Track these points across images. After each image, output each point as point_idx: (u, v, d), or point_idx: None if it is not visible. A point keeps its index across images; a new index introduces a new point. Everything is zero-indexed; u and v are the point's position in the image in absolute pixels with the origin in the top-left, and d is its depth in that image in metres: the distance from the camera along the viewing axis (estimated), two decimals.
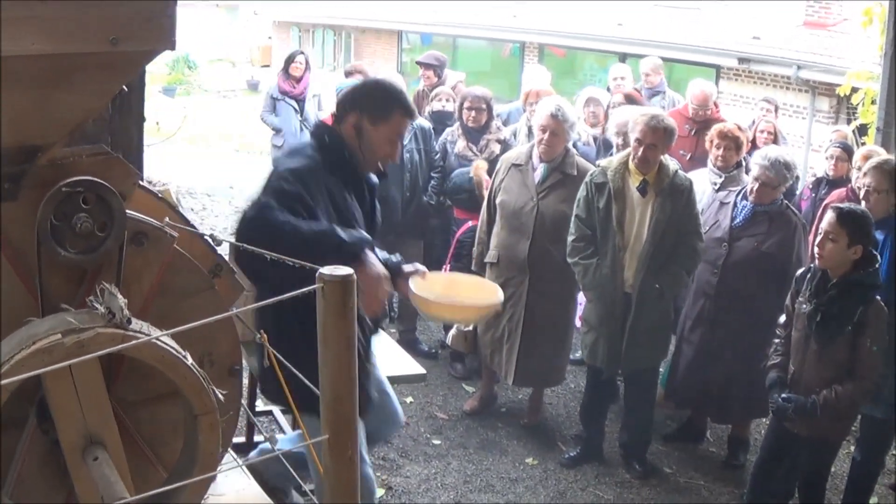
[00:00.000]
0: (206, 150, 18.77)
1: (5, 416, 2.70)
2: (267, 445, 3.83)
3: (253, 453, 5.71)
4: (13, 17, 2.30)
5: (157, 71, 27.45)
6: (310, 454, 3.52)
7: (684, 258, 6.83)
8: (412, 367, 6.37)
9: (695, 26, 20.28)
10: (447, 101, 9.59)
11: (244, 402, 7.06)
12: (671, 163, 6.94)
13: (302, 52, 13.02)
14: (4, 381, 2.40)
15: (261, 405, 7.13)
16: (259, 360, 4.46)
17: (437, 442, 7.43)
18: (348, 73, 11.20)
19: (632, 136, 6.91)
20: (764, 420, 7.66)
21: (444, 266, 8.39)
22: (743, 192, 6.98)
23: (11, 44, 2.32)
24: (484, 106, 8.87)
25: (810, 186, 8.78)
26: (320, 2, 31.16)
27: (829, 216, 5.70)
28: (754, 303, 6.82)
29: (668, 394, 7.67)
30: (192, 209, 14.04)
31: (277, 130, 12.28)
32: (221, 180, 16.08)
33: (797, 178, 8.86)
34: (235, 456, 4.85)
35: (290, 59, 12.46)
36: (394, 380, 5.86)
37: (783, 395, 5.83)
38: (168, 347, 2.76)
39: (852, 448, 6.72)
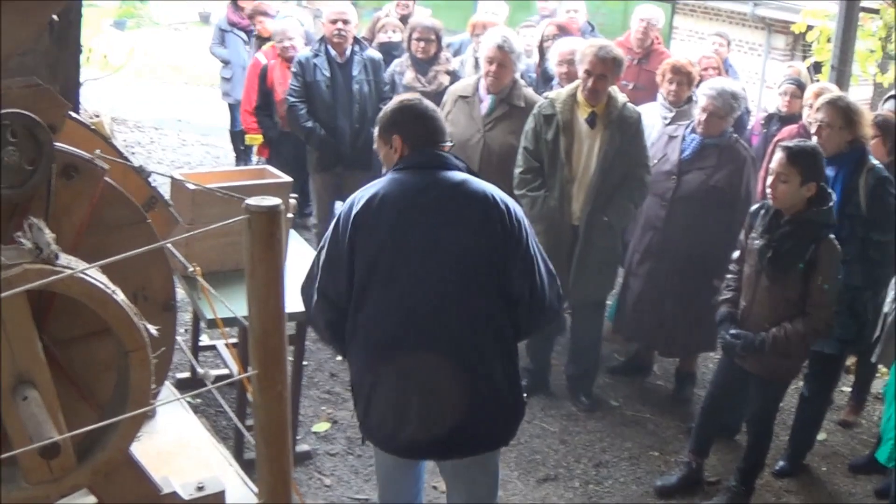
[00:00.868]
0: (155, 84, 18.51)
1: None
2: None
3: None
4: None
5: (107, 4, 27.01)
6: None
7: (632, 191, 6.82)
8: None
9: None
10: (393, 31, 9.51)
11: (187, 337, 7.10)
12: (619, 95, 6.91)
13: None
14: None
15: (205, 339, 7.10)
16: None
17: None
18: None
19: (580, 68, 6.86)
20: (712, 354, 7.73)
21: None
22: (692, 125, 6.95)
23: None
24: (433, 37, 8.81)
25: (762, 122, 8.76)
26: None
27: (779, 156, 5.66)
28: (702, 236, 6.81)
29: (616, 327, 7.70)
30: (140, 142, 13.87)
31: (226, 63, 12.03)
32: (170, 113, 15.90)
33: (748, 111, 8.89)
34: (175, 391, 4.84)
35: None
36: None
37: (732, 331, 5.84)
38: (96, 283, 2.70)
39: (801, 384, 6.76)
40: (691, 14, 18.94)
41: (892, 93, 8.10)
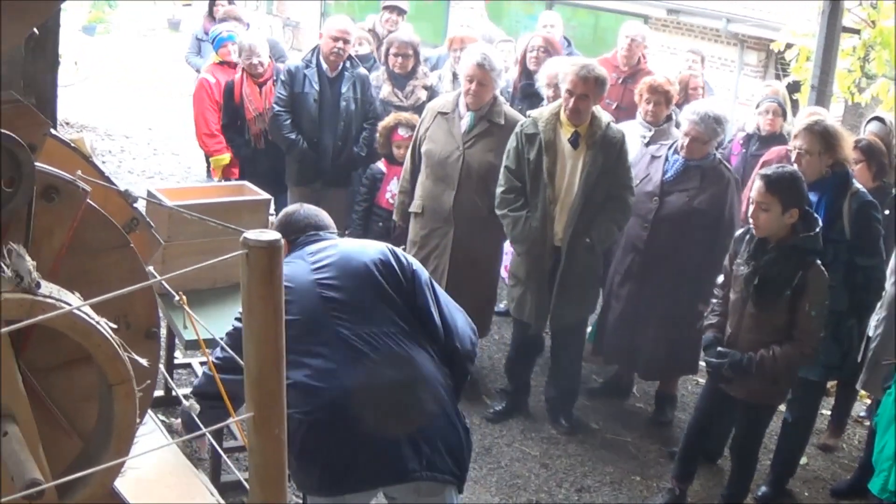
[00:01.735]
0: (125, 91, 18.27)
1: None
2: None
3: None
4: None
5: (76, 9, 26.71)
6: None
7: (615, 212, 6.73)
8: None
9: None
10: (360, 44, 9.38)
11: (162, 354, 6.94)
12: (603, 115, 6.83)
13: None
14: None
15: (179, 357, 6.95)
16: None
17: None
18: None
19: (562, 87, 6.78)
20: (692, 377, 7.65)
21: None
22: (674, 146, 6.87)
23: None
24: (411, 52, 8.75)
25: (741, 142, 8.67)
26: None
27: (758, 185, 5.61)
28: (684, 258, 6.75)
29: (596, 349, 7.57)
30: (111, 151, 13.68)
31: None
32: (140, 121, 15.68)
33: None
34: (153, 416, 4.70)
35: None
36: None
37: (719, 349, 5.77)
38: (79, 313, 2.57)
39: (783, 409, 6.68)
40: (663, 29, 18.92)
41: (874, 115, 8.03)
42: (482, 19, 10.99)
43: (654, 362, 7.18)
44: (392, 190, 7.94)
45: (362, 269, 4.22)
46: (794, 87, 11.38)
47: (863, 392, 7.25)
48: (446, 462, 4.10)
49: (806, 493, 6.77)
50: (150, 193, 5.69)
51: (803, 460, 6.93)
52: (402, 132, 7.90)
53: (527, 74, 8.87)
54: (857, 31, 11.69)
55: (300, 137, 8.41)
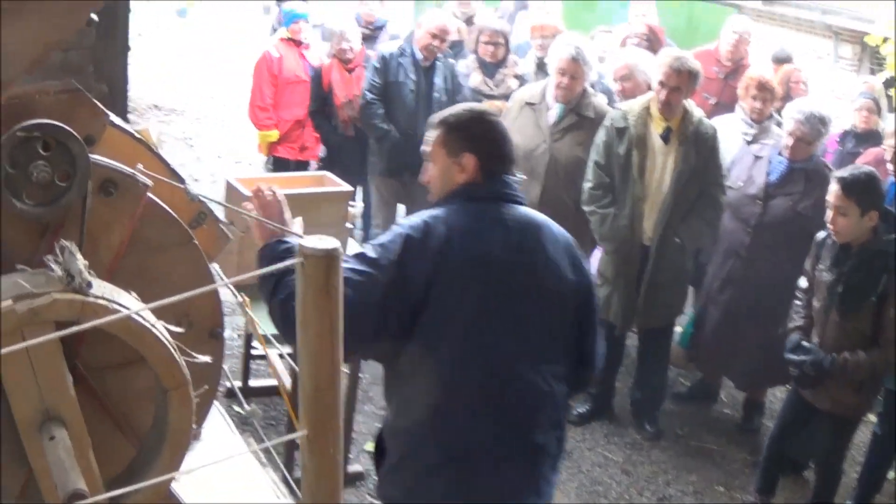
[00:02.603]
0: (218, 74, 18.21)
1: None
2: None
3: None
4: None
5: None
6: None
7: (706, 210, 6.52)
8: None
9: None
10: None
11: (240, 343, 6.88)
12: (696, 110, 6.60)
13: None
14: None
15: (257, 347, 6.86)
16: None
17: None
18: None
19: (654, 79, 6.56)
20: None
21: None
22: (778, 147, 6.60)
23: None
24: (502, 40, 8.55)
25: (837, 139, 8.35)
26: None
27: (834, 188, 5.39)
28: (787, 265, 6.37)
29: (691, 355, 7.28)
30: (200, 135, 13.68)
31: None
32: (232, 105, 15.60)
33: None
34: (221, 409, 4.58)
35: None
36: None
37: (802, 344, 5.56)
38: (133, 316, 2.44)
39: (873, 419, 6.41)
40: (757, 19, 18.46)
41: None
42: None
43: (751, 371, 6.90)
44: None
45: None
46: (889, 84, 10.97)
47: None
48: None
49: None
50: (227, 185, 5.58)
51: (891, 474, 6.66)
52: None
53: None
54: None
55: (392, 128, 8.25)
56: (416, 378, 3.55)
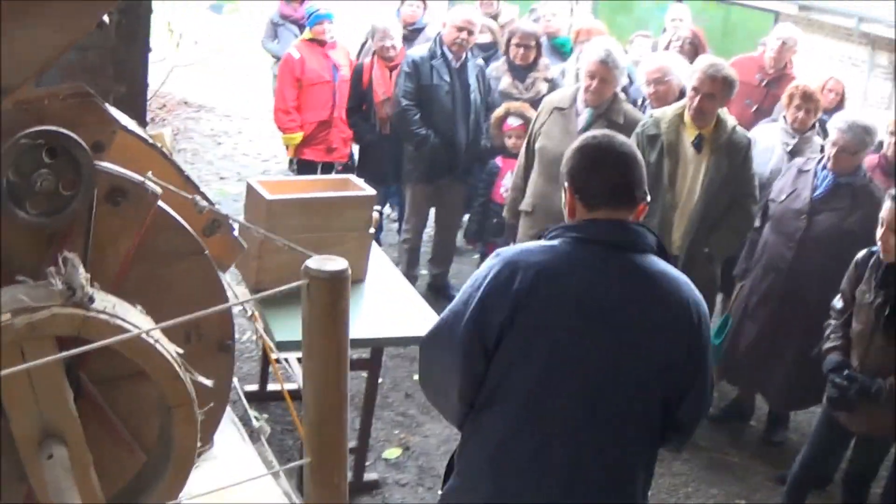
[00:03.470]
0: (248, 71, 18.17)
1: None
2: None
3: None
4: None
5: None
6: None
7: (737, 221, 6.43)
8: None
9: None
10: (480, 32, 9.03)
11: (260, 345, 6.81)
12: (729, 118, 6.48)
13: None
14: None
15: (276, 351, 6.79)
16: None
17: None
18: None
19: (688, 85, 6.45)
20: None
21: None
22: (823, 161, 6.45)
23: None
24: (533, 43, 8.48)
25: (873, 150, 8.18)
26: None
27: (890, 206, 5.19)
28: (831, 282, 6.14)
29: (724, 372, 7.08)
30: (227, 132, 13.64)
31: (278, 59, 10.93)
32: (260, 103, 15.58)
33: None
34: (236, 419, 4.50)
35: None
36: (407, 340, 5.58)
37: (846, 372, 5.35)
38: (135, 329, 2.36)
39: None
40: (796, 26, 18.32)
41: None
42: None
43: (787, 390, 6.75)
44: (506, 184, 7.71)
45: None
46: None
47: None
48: None
49: None
50: (248, 187, 5.51)
51: None
52: (511, 121, 7.69)
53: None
54: None
55: (430, 133, 8.14)
56: (482, 415, 3.43)
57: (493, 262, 3.40)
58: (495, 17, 9.94)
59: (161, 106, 13.88)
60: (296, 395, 6.36)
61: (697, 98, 6.30)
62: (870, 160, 7.23)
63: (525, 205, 7.06)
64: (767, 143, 7.06)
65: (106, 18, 2.75)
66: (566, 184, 3.56)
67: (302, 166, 9.50)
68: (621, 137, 3.63)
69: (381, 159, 8.75)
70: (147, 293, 2.64)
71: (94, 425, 2.64)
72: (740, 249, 6.81)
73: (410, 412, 6.76)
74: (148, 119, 12.80)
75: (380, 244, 8.80)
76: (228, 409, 4.02)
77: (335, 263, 1.90)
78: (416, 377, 6.74)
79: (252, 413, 3.86)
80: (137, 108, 4.05)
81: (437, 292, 8.52)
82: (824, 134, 6.93)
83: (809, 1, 17.73)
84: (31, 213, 2.42)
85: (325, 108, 9.04)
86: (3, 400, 2.37)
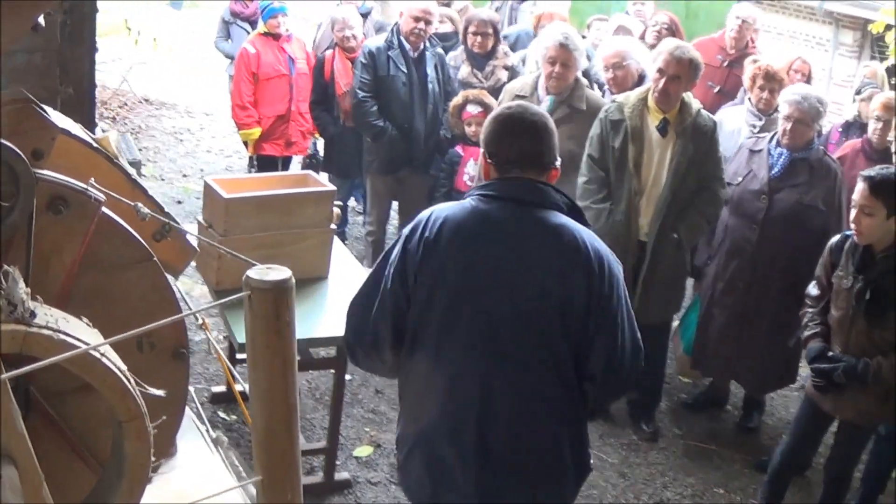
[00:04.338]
0: (208, 67, 17.97)
1: None
2: None
3: None
4: None
5: None
6: None
7: (705, 205, 6.34)
8: None
9: None
10: (440, 22, 8.93)
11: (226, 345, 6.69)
12: (693, 102, 6.40)
13: None
14: None
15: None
16: None
17: None
18: None
19: (653, 67, 6.38)
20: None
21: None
22: (774, 137, 6.40)
23: None
24: (490, 31, 8.40)
25: (840, 129, 8.14)
26: None
27: (861, 187, 5.11)
28: (797, 261, 6.21)
29: (695, 362, 6.99)
30: (190, 129, 13.48)
31: (231, 58, 10.90)
32: (222, 98, 15.45)
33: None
34: (198, 422, 4.39)
35: None
36: None
37: (830, 354, 5.29)
38: (78, 345, 2.27)
39: None
40: (757, 6, 18.29)
41: None
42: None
43: (761, 373, 6.69)
44: (469, 172, 7.63)
45: None
46: (892, 71, 10.75)
47: None
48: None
49: None
50: (206, 186, 5.41)
51: (894, 474, 6.49)
52: (471, 109, 7.59)
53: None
54: None
55: (388, 124, 8.04)
56: (410, 361, 3.71)
57: (416, 219, 3.69)
58: (448, 5, 9.82)
59: (121, 105, 13.72)
60: None
61: (663, 80, 6.22)
62: (853, 144, 7.21)
63: None
64: (733, 125, 7.01)
65: (42, 21, 2.66)
66: (482, 150, 3.75)
67: (262, 162, 9.39)
68: (534, 108, 3.86)
69: (346, 152, 8.66)
70: (95, 304, 2.56)
71: (47, 439, 2.57)
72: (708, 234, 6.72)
73: (381, 409, 6.66)
74: (108, 118, 12.75)
75: (345, 238, 8.72)
76: (193, 415, 3.95)
77: (278, 273, 1.81)
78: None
79: (203, 427, 3.75)
80: (85, 110, 3.95)
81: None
82: None
83: None
84: None
85: (282, 102, 8.94)
86: None
